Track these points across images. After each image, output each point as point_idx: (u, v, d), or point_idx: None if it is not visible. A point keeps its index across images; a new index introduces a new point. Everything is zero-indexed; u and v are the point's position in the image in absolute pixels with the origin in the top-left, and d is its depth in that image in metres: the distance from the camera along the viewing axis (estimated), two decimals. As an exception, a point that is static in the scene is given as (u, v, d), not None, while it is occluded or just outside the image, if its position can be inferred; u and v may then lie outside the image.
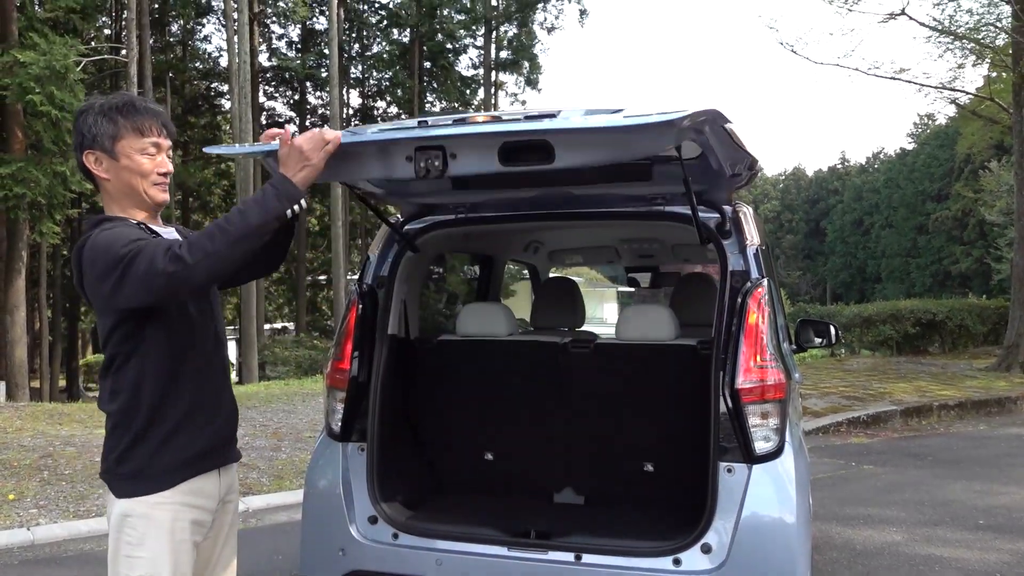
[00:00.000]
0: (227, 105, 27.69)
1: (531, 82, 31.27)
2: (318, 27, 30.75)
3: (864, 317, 17.09)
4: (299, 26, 30.30)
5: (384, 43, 31.00)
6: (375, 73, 31.82)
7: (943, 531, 5.29)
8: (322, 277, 32.82)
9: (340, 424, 3.02)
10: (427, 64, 30.98)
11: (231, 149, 2.94)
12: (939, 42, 16.57)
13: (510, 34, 31.49)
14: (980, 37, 16.04)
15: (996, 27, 15.90)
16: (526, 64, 30.94)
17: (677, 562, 2.57)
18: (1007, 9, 15.07)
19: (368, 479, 2.96)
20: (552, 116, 2.20)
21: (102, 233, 1.93)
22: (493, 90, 30.93)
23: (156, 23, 26.63)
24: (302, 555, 3.03)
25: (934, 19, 17.25)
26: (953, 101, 18.53)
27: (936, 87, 16.81)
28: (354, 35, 31.56)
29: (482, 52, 31.10)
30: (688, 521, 2.66)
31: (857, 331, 16.94)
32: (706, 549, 2.55)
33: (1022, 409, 10.81)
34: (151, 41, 23.74)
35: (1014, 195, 15.97)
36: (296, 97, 31.64)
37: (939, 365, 14.61)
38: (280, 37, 31.54)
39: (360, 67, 32.10)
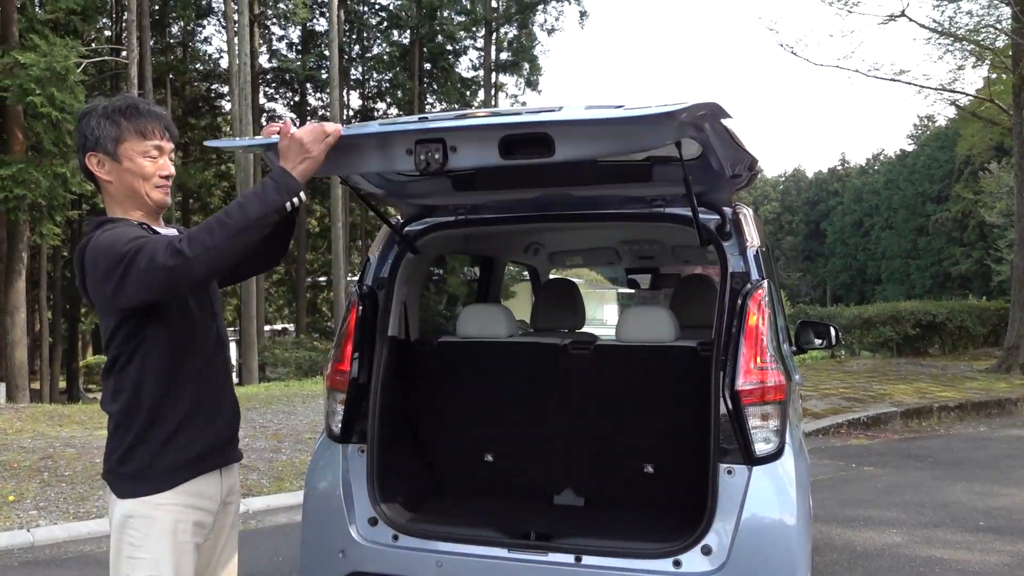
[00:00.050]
0: (227, 107, 27.72)
1: (531, 84, 31.30)
2: (318, 29, 30.80)
3: (864, 319, 17.09)
4: (299, 28, 30.33)
5: (384, 44, 31.03)
6: (375, 75, 31.85)
7: (943, 533, 5.29)
8: (322, 278, 32.82)
9: (340, 426, 3.02)
10: (427, 65, 31.00)
11: (232, 143, 2.95)
12: (939, 44, 16.60)
13: (510, 36, 31.52)
14: (980, 39, 16.05)
15: (996, 29, 15.91)
16: (526, 66, 30.96)
17: (677, 564, 2.57)
18: (1007, 11, 15.08)
19: (368, 480, 2.96)
20: (552, 111, 2.20)
21: (104, 234, 1.93)
22: (493, 92, 30.94)
23: (156, 25, 26.65)
24: (302, 557, 3.03)
25: (934, 21, 17.25)
26: (953, 103, 18.55)
27: (936, 89, 16.83)
28: (354, 37, 31.58)
29: (482, 54, 31.12)
30: (688, 523, 2.66)
31: (857, 333, 16.94)
32: (706, 551, 2.55)
33: (1022, 411, 10.81)
34: (151, 43, 23.76)
35: (1014, 197, 15.98)
36: (296, 99, 31.66)
37: (939, 367, 14.60)
38: (280, 39, 31.61)
39: (360, 68, 32.12)
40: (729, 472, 2.58)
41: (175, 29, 29.93)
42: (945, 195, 50.23)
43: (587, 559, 2.66)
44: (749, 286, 2.73)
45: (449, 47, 30.56)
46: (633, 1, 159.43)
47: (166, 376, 2.01)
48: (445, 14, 29.79)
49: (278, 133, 2.03)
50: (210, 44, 45.07)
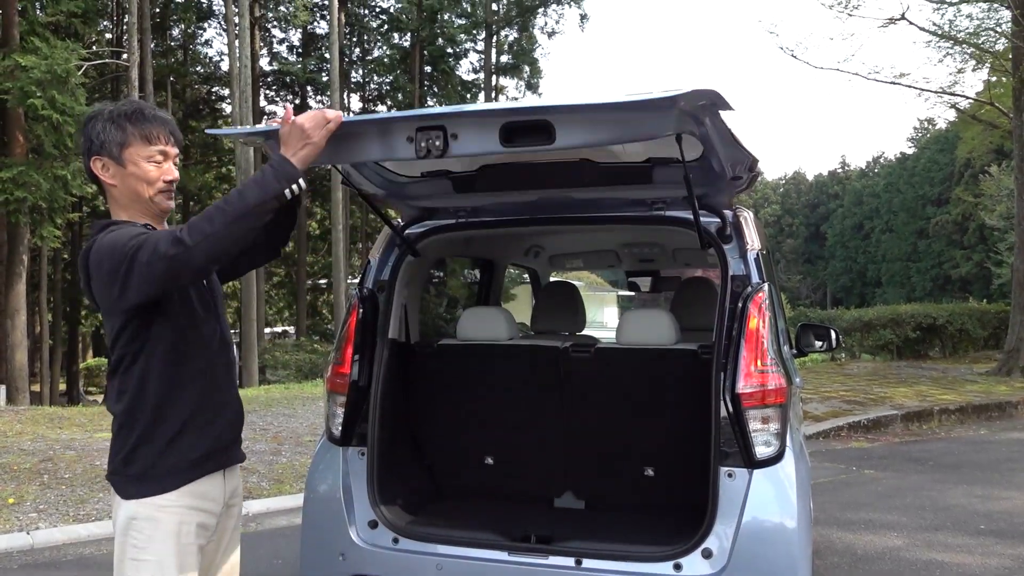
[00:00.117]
0: (228, 109, 27.74)
1: (531, 86, 31.33)
2: (319, 31, 30.83)
3: (864, 321, 17.10)
4: (300, 31, 30.37)
5: (385, 47, 31.06)
6: (376, 77, 31.88)
7: (944, 536, 5.28)
8: (322, 281, 32.81)
9: (340, 428, 3.01)
10: (428, 68, 31.02)
11: (233, 131, 2.94)
12: (939, 47, 16.61)
13: (511, 38, 31.56)
14: (980, 42, 16.07)
15: (996, 32, 15.93)
16: (526, 68, 30.99)
17: (678, 567, 2.56)
18: (1007, 14, 15.09)
19: (368, 483, 2.96)
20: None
21: (107, 236, 1.94)
22: (494, 94, 30.95)
23: (157, 27, 26.67)
24: (302, 560, 3.02)
25: (934, 24, 17.33)
26: (953, 105, 18.56)
27: (936, 91, 16.86)
28: (355, 39, 31.61)
29: (483, 56, 31.15)
30: (689, 526, 2.66)
31: (857, 335, 16.95)
32: (707, 554, 2.55)
33: (1023, 414, 10.80)
34: (152, 45, 23.78)
35: (1014, 199, 15.97)
36: (297, 101, 31.63)
37: (940, 369, 14.60)
38: (281, 41, 31.65)
39: (361, 71, 32.15)
40: (730, 475, 2.58)
41: (176, 32, 29.97)
42: (945, 198, 50.26)
43: (587, 562, 2.65)
44: (750, 289, 2.73)
45: (449, 50, 30.58)
46: (633, 4, 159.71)
47: (170, 376, 2.01)
48: (446, 17, 29.82)
49: (279, 122, 2.04)
50: (211, 47, 45.13)
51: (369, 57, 31.70)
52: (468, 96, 31.49)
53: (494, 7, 30.61)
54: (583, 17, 37.87)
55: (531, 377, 3.45)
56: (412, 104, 29.19)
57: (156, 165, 2.05)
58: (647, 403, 3.30)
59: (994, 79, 17.21)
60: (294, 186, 1.94)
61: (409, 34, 30.16)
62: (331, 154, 2.16)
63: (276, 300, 35.46)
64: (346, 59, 30.01)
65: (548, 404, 3.44)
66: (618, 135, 2.19)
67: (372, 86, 32.50)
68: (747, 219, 2.98)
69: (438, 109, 2.23)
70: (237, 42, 21.22)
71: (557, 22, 48.12)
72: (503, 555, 2.74)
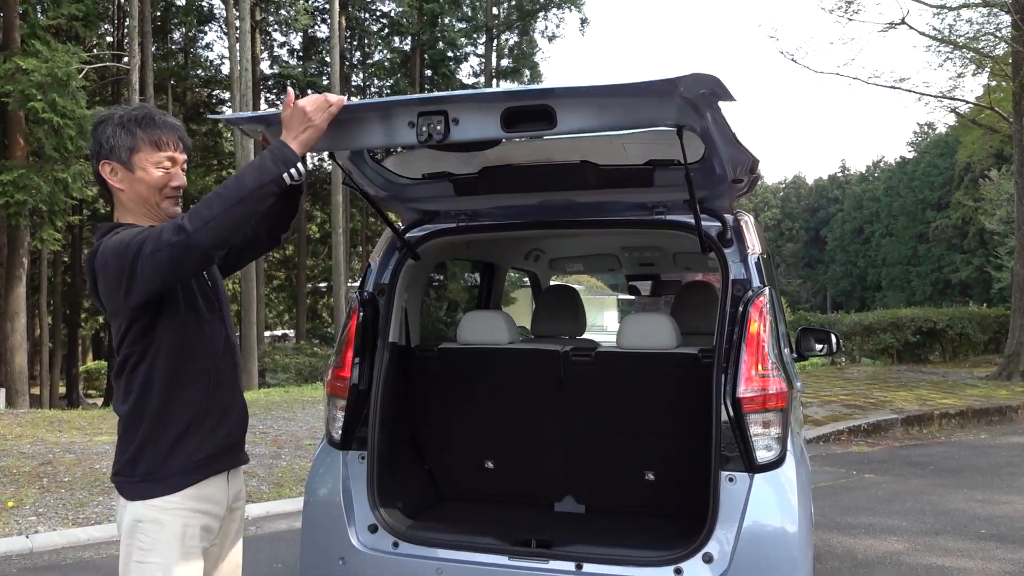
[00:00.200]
0: (229, 112, 27.75)
1: (532, 90, 31.28)
2: (319, 35, 30.87)
3: (864, 325, 17.10)
4: (301, 34, 30.39)
5: (385, 51, 31.08)
6: (376, 81, 31.89)
7: (944, 540, 5.27)
8: (323, 284, 32.80)
9: (340, 432, 3.01)
10: (428, 72, 31.04)
11: (236, 116, 2.95)
12: (939, 51, 16.66)
13: (511, 42, 31.58)
14: (980, 46, 16.10)
15: (996, 36, 15.97)
16: (527, 72, 31.00)
17: (679, 572, 2.56)
18: (1006, 19, 15.12)
19: (368, 487, 2.95)
20: None
21: (113, 238, 1.96)
22: (494, 98, 30.92)
23: (158, 31, 26.70)
24: (302, 563, 3.02)
25: (934, 28, 17.34)
26: (953, 110, 18.61)
27: (936, 96, 16.90)
28: (355, 43, 31.65)
29: (483, 60, 31.19)
30: (689, 530, 2.65)
31: (858, 339, 16.95)
32: (708, 559, 2.54)
33: (1023, 418, 10.79)
34: (153, 49, 23.80)
35: (1014, 204, 15.99)
36: (297, 104, 31.64)
37: (940, 373, 14.60)
38: (282, 45, 31.67)
39: (361, 75, 32.18)
40: (730, 479, 2.57)
41: (177, 35, 29.98)
42: (945, 202, 50.29)
43: (587, 567, 2.65)
44: (750, 293, 2.73)
45: (450, 54, 30.60)
46: (634, 8, 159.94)
47: (175, 377, 2.02)
48: (446, 21, 29.84)
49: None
50: (211, 50, 45.29)
51: (370, 61, 31.74)
52: (468, 100, 31.44)
53: (495, 11, 30.66)
54: (583, 21, 37.76)
55: (532, 381, 3.45)
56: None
57: (164, 171, 2.06)
58: (648, 407, 3.30)
59: (994, 83, 17.25)
60: (292, 170, 1.94)
61: (410, 38, 30.18)
62: (332, 139, 2.17)
63: (276, 303, 35.44)
64: (347, 63, 30.05)
65: (548, 408, 3.43)
66: (619, 120, 2.18)
67: (373, 89, 32.49)
68: (748, 223, 2.98)
69: (439, 93, 2.23)
70: (238, 46, 21.24)
71: (557, 26, 48.17)
72: (503, 559, 2.74)
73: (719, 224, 2.90)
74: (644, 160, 2.87)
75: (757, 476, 2.57)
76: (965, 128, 20.36)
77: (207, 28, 29.71)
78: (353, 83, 31.79)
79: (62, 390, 26.72)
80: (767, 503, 2.56)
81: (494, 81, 31.00)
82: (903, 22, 15.53)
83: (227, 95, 27.92)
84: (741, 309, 2.69)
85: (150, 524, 1.98)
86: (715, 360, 2.70)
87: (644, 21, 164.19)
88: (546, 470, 3.47)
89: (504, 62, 31.36)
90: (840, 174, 76.73)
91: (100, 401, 26.67)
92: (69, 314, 27.31)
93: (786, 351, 3.17)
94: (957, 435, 9.60)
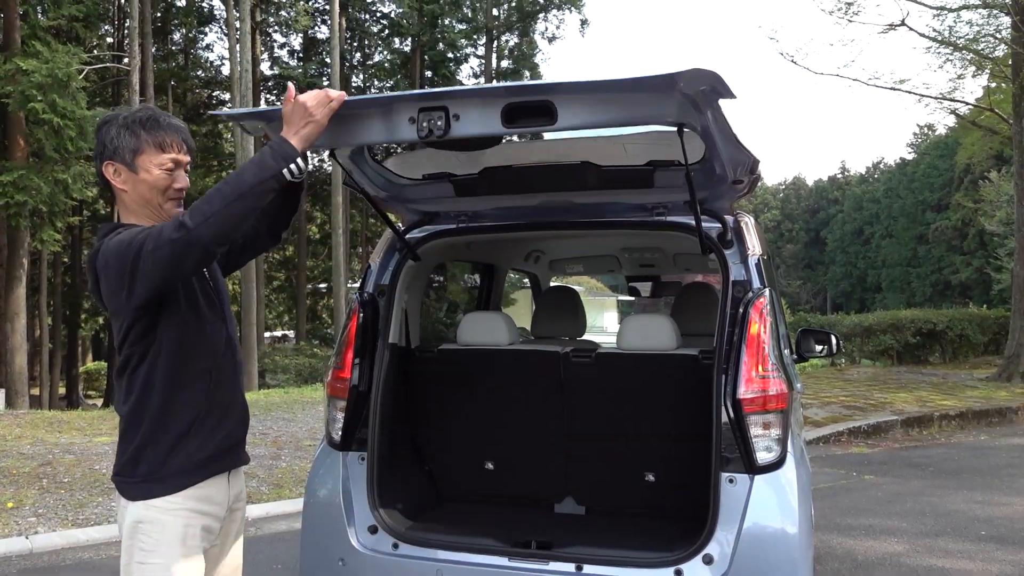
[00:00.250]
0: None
1: (532, 91, 31.28)
2: (320, 36, 30.87)
3: (864, 327, 17.10)
4: (301, 35, 30.40)
5: (385, 52, 31.10)
6: (376, 82, 31.88)
7: (944, 542, 5.27)
8: (322, 285, 32.81)
9: (340, 433, 3.01)
10: (428, 73, 31.05)
11: (237, 111, 2.94)
12: (939, 53, 16.66)
13: (511, 44, 31.59)
14: (980, 48, 16.11)
15: (996, 38, 15.97)
16: (527, 73, 30.99)
17: (679, 573, 2.55)
18: (1006, 20, 15.13)
19: (368, 488, 2.95)
20: None
21: (114, 238, 1.96)
22: (494, 99, 30.91)
23: (158, 32, 26.71)
24: (301, 565, 3.02)
25: (934, 30, 17.34)
26: (953, 112, 18.62)
27: (936, 98, 16.90)
28: (355, 44, 31.66)
29: (483, 61, 31.20)
30: (690, 532, 2.65)
31: (857, 341, 16.94)
32: (708, 560, 2.54)
33: (1023, 419, 10.79)
34: (153, 49, 23.80)
35: (1014, 205, 16.00)
36: (297, 105, 31.64)
37: (940, 375, 14.60)
38: (282, 46, 31.68)
39: (361, 76, 32.18)
40: (731, 481, 2.57)
41: (177, 36, 30.00)
42: (945, 204, 50.30)
43: (588, 568, 2.64)
44: (751, 294, 2.73)
45: (450, 55, 30.62)
46: (634, 10, 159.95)
47: (176, 377, 2.02)
48: (446, 22, 29.85)
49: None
50: (212, 51, 45.27)
51: (370, 62, 31.75)
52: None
53: (495, 12, 30.67)
54: (583, 22, 37.76)
55: (532, 382, 3.45)
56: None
57: (168, 173, 2.06)
58: (648, 408, 3.29)
59: (994, 85, 17.25)
60: (292, 166, 1.94)
61: (410, 39, 30.20)
62: (333, 135, 2.16)
63: (276, 304, 35.44)
64: (347, 64, 30.06)
65: (549, 409, 3.43)
66: (619, 117, 2.17)
67: (373, 91, 32.52)
68: (748, 224, 2.98)
69: (440, 89, 2.23)
70: (238, 46, 21.25)
71: (558, 27, 48.18)
72: (503, 561, 2.73)
73: (719, 225, 2.90)
74: (644, 161, 2.87)
75: (757, 477, 2.56)
76: (965, 130, 20.37)
77: (207, 29, 29.76)
78: (353, 84, 31.78)
79: (62, 391, 26.72)
80: (767, 504, 2.56)
81: (494, 82, 31.02)
82: (903, 23, 15.54)
83: (227, 96, 27.91)
84: (741, 310, 2.69)
85: (151, 525, 1.99)
86: (715, 361, 2.70)
87: (644, 23, 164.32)
88: (546, 471, 3.47)
89: (504, 63, 31.36)
90: (840, 175, 76.77)
91: (100, 402, 26.66)
92: (69, 315, 27.31)
93: (786, 352, 3.17)
94: (957, 436, 9.60)
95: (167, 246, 1.83)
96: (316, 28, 30.43)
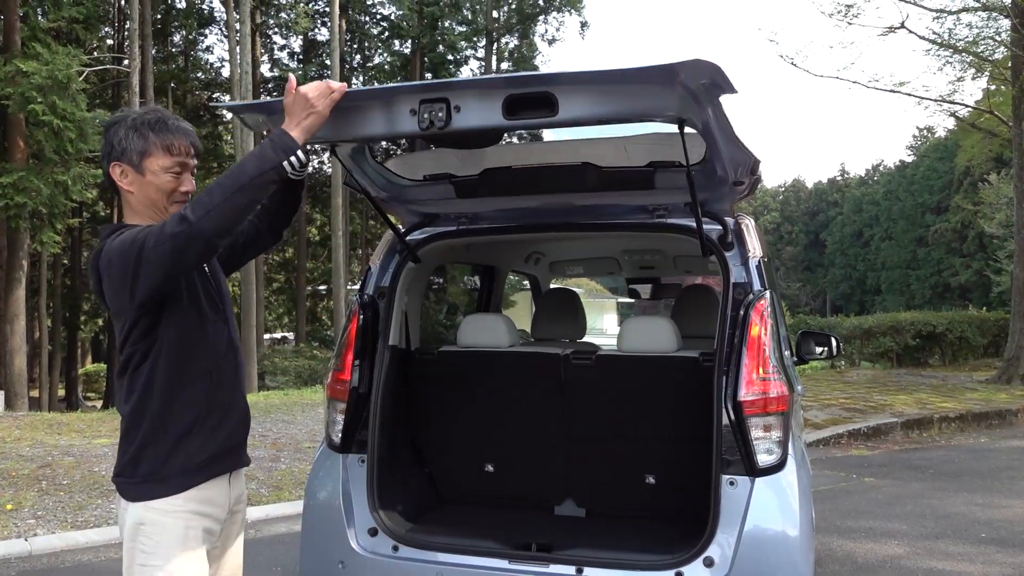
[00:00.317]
0: (228, 115, 27.76)
1: (531, 93, 31.30)
2: (320, 38, 30.90)
3: (864, 329, 17.09)
4: (301, 37, 30.43)
5: (385, 54, 31.13)
6: (376, 84, 31.95)
7: (945, 544, 5.27)
8: (322, 287, 32.83)
9: (340, 435, 3.00)
10: (428, 75, 31.08)
11: (238, 104, 2.95)
12: (938, 55, 16.67)
13: (511, 46, 31.60)
14: (979, 50, 16.11)
15: (995, 41, 15.97)
16: (527, 75, 31.04)
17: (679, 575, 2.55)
18: (1006, 23, 15.14)
19: (368, 491, 2.94)
20: None
21: (117, 238, 1.96)
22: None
23: (158, 33, 26.73)
24: (301, 567, 3.01)
25: (933, 32, 17.34)
26: (952, 114, 18.63)
27: (935, 100, 16.90)
28: (355, 46, 31.70)
29: (483, 63, 31.20)
30: (690, 534, 2.65)
31: (857, 343, 16.94)
32: (708, 563, 2.53)
33: (1023, 422, 10.79)
34: (153, 51, 23.81)
35: (1014, 207, 16.00)
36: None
37: (939, 377, 14.60)
38: (282, 48, 31.72)
39: (362, 78, 32.19)
40: (731, 483, 2.56)
41: (177, 38, 30.03)
42: (945, 206, 50.32)
43: (588, 571, 2.64)
44: (751, 296, 2.73)
45: (450, 57, 30.64)
46: (633, 12, 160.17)
47: (177, 377, 2.01)
48: (446, 24, 29.88)
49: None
50: (212, 53, 45.09)
51: (370, 64, 31.78)
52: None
53: (495, 14, 30.69)
54: (583, 24, 37.79)
55: (532, 384, 3.44)
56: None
57: (175, 176, 2.06)
58: (648, 411, 3.29)
59: (993, 88, 17.27)
60: (293, 158, 1.94)
61: (410, 41, 30.23)
62: (334, 128, 2.16)
63: (276, 306, 35.45)
64: (347, 65, 30.09)
65: (549, 411, 3.42)
66: (619, 109, 2.17)
67: (373, 92, 32.51)
68: (748, 226, 2.98)
69: (441, 80, 2.23)
70: (238, 48, 21.26)
71: (557, 29, 48.11)
72: (503, 563, 2.73)
73: (720, 227, 2.90)
74: (645, 162, 2.87)
75: (758, 480, 2.56)
76: (964, 132, 20.38)
77: (207, 31, 29.81)
78: (353, 86, 31.82)
79: (61, 392, 26.71)
80: (768, 507, 2.55)
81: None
82: (902, 26, 15.54)
83: (227, 97, 27.92)
84: (742, 312, 2.69)
85: (152, 527, 1.98)
86: (716, 363, 2.70)
87: (644, 25, 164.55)
88: (546, 473, 3.46)
89: (504, 65, 31.36)
90: (840, 178, 76.78)
91: (99, 403, 26.65)
92: (69, 316, 27.32)
93: (787, 354, 3.16)
94: (957, 439, 9.59)
95: (169, 240, 1.83)
96: (316, 30, 30.47)
